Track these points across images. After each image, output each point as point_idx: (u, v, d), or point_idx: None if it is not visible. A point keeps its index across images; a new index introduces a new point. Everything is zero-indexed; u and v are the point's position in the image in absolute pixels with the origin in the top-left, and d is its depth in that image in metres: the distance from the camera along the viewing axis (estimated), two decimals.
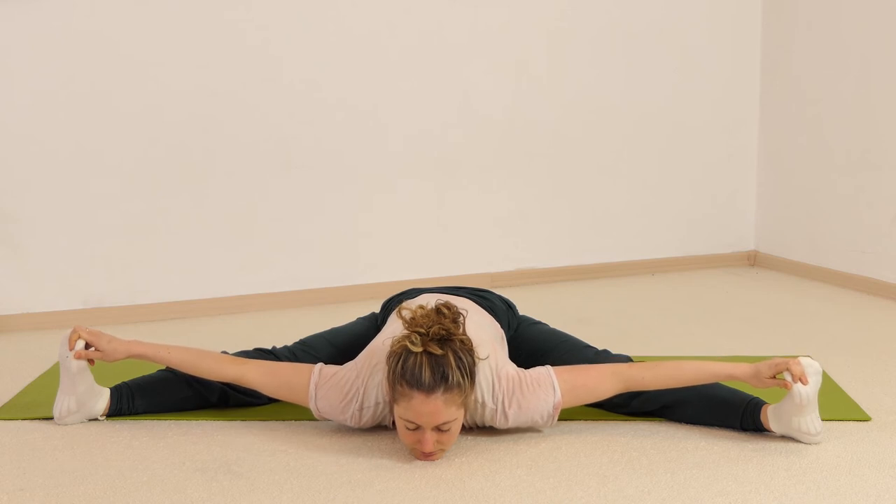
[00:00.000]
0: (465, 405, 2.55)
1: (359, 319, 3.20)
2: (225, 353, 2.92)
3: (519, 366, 2.80)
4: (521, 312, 3.18)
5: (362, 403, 2.69)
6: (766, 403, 2.74)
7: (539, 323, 3.15)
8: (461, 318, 2.56)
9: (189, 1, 4.06)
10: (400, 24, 4.40)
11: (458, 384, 2.48)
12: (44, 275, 4.02)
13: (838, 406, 2.97)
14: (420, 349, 2.47)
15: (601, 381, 2.71)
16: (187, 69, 4.10)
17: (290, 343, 3.10)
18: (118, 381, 2.96)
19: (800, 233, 4.88)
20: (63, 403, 2.82)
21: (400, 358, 2.49)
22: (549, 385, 2.68)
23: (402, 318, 2.56)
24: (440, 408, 2.47)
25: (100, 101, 4.00)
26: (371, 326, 3.11)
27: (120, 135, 4.05)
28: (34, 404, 3.02)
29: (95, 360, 2.82)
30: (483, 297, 3.08)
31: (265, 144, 4.26)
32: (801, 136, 4.84)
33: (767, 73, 5.00)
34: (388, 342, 2.60)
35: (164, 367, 2.95)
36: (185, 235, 4.19)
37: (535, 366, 2.78)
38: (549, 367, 2.73)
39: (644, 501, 2.38)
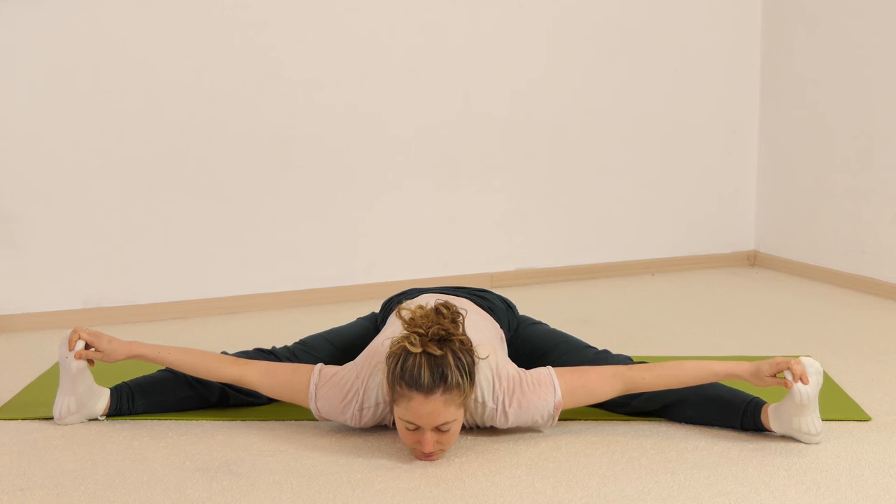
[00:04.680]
0: (464, 405, 2.55)
1: (359, 319, 3.20)
2: (225, 353, 2.92)
3: (519, 366, 2.80)
4: (521, 312, 3.17)
5: (362, 404, 2.69)
6: (766, 403, 2.74)
7: (539, 323, 3.15)
8: (460, 318, 2.56)
9: (189, 1, 4.06)
10: (400, 24, 4.40)
11: (458, 384, 2.48)
12: (44, 275, 4.02)
13: (838, 406, 2.97)
14: (419, 350, 2.47)
15: (602, 383, 2.71)
16: (187, 69, 4.11)
17: (290, 343, 3.11)
18: (118, 381, 2.96)
19: (800, 233, 4.88)
20: (63, 403, 2.82)
21: (399, 359, 2.49)
22: (550, 385, 2.68)
23: (401, 318, 2.56)
24: (439, 408, 2.47)
25: (100, 101, 4.00)
26: (371, 326, 3.11)
27: (120, 135, 4.05)
28: (34, 404, 3.02)
29: (95, 361, 2.83)
30: (483, 298, 3.08)
31: (265, 144, 4.26)
32: (801, 136, 4.84)
33: (767, 73, 5.00)
34: (388, 342, 2.60)
35: (163, 368, 2.95)
36: (185, 235, 4.19)
37: (535, 366, 2.79)
38: (549, 367, 2.74)
39: (644, 501, 2.38)
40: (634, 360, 2.94)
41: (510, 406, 2.66)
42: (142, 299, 4.15)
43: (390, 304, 3.08)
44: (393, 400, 2.53)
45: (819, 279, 4.73)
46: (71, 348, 2.77)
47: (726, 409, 2.77)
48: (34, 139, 3.95)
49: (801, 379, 2.58)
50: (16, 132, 3.93)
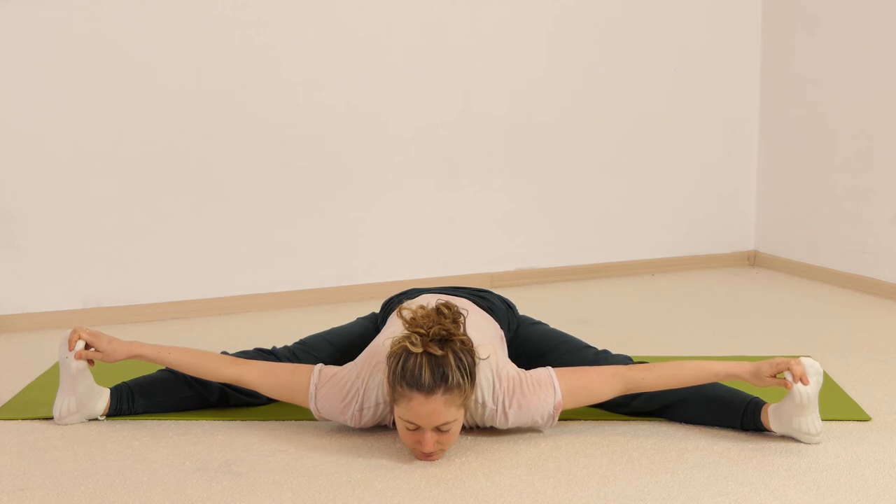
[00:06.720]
0: (465, 406, 2.55)
1: (359, 319, 3.20)
2: (225, 353, 2.92)
3: (519, 366, 2.80)
4: (521, 312, 3.17)
5: (362, 404, 2.69)
6: (766, 403, 2.74)
7: (539, 323, 3.15)
8: (461, 318, 2.56)
9: (189, 1, 4.06)
10: (400, 24, 4.40)
11: (458, 385, 2.48)
12: (44, 275, 4.02)
13: (838, 406, 2.97)
14: (420, 350, 2.47)
15: (602, 383, 2.71)
16: (187, 69, 4.11)
17: (290, 343, 3.11)
18: (118, 381, 2.96)
19: (800, 233, 4.88)
20: (63, 404, 2.82)
21: (400, 359, 2.49)
22: (550, 385, 2.68)
23: (402, 318, 2.56)
24: (440, 408, 2.47)
25: (100, 101, 4.00)
26: (371, 326, 3.11)
27: (120, 135, 4.05)
28: (34, 404, 3.02)
29: (95, 361, 2.83)
30: (483, 298, 3.07)
31: (265, 144, 4.26)
32: (801, 136, 4.84)
33: (767, 73, 5.00)
34: (389, 342, 2.60)
35: (163, 368, 2.95)
36: (185, 235, 4.19)
37: (535, 366, 2.78)
38: (549, 367, 2.74)
39: (644, 501, 2.38)
40: (634, 360, 2.94)
41: (510, 407, 2.66)
42: (142, 299, 4.15)
43: (390, 304, 3.08)
44: (393, 400, 2.53)
45: (819, 279, 4.73)
46: (71, 348, 2.77)
47: (726, 409, 2.77)
48: (34, 139, 3.95)
49: (801, 379, 2.58)
50: (16, 132, 3.93)
